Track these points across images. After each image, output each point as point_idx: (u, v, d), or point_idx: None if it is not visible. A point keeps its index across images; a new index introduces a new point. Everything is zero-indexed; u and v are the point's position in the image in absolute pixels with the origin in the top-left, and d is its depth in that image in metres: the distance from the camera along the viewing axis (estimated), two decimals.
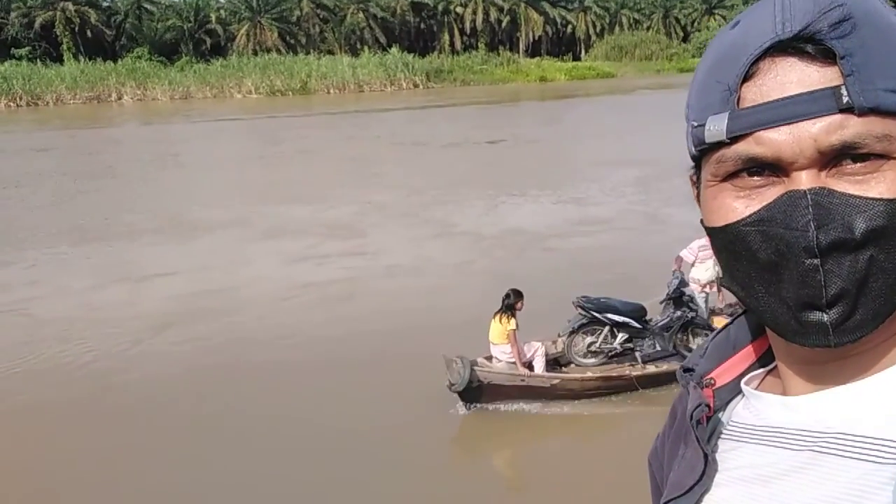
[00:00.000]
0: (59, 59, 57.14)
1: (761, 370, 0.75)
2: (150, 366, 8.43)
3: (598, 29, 76.29)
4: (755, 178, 0.61)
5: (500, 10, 71.96)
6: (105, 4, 63.31)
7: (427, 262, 12.07)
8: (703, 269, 8.20)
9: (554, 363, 7.74)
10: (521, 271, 10.60)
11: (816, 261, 0.57)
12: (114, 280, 11.87)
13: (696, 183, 0.69)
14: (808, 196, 0.57)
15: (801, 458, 0.64)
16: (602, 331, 7.70)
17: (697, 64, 0.68)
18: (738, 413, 0.74)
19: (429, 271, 11.60)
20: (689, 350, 7.55)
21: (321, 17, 67.86)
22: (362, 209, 16.14)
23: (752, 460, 0.68)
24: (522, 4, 72.43)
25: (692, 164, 0.69)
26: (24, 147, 28.48)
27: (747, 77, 0.60)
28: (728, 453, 0.71)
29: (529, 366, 7.29)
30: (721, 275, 1.10)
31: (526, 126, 31.44)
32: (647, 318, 7.78)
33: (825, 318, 0.59)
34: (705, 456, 0.71)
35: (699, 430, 0.72)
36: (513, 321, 7.11)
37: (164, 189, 19.59)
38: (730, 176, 0.62)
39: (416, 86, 57.32)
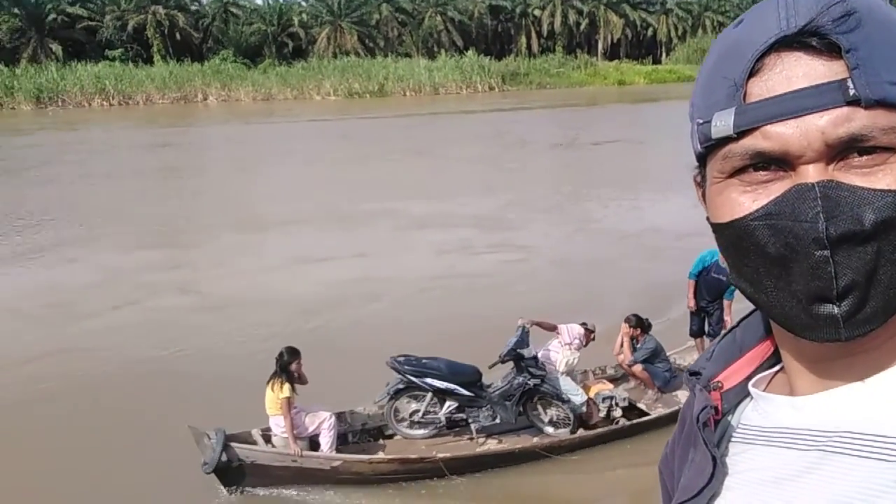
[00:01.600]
0: (149, 61, 58.98)
1: (768, 371, 0.75)
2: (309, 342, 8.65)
3: (679, 32, 75.20)
4: (762, 172, 0.61)
5: (579, 12, 71.58)
6: (193, 8, 65.22)
7: (574, 256, 12.06)
8: (567, 353, 7.00)
9: (378, 433, 6.70)
10: (666, 269, 10.28)
11: (826, 252, 0.57)
12: (277, 265, 12.14)
13: (701, 182, 0.68)
14: (817, 188, 0.57)
15: (811, 458, 0.63)
16: (425, 397, 6.57)
17: (701, 64, 0.67)
18: (747, 415, 0.73)
19: (575, 264, 11.57)
20: (542, 422, 6.66)
21: (399, 20, 68.57)
22: (502, 203, 16.16)
23: (762, 462, 0.68)
24: (602, 7, 71.91)
25: (696, 163, 0.68)
26: (138, 143, 29.46)
27: (753, 73, 0.60)
28: (738, 456, 0.71)
29: (313, 442, 6.15)
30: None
31: (621, 128, 31.04)
32: (488, 383, 6.65)
33: (836, 311, 0.58)
34: (714, 459, 0.71)
35: (706, 433, 0.73)
36: (286, 387, 5.93)
37: (303, 182, 19.99)
38: (736, 172, 0.62)
39: (491, 88, 57.36)
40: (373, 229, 14.34)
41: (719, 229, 0.64)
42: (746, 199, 0.61)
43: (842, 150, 0.58)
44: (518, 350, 6.44)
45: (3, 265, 12.62)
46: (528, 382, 6.46)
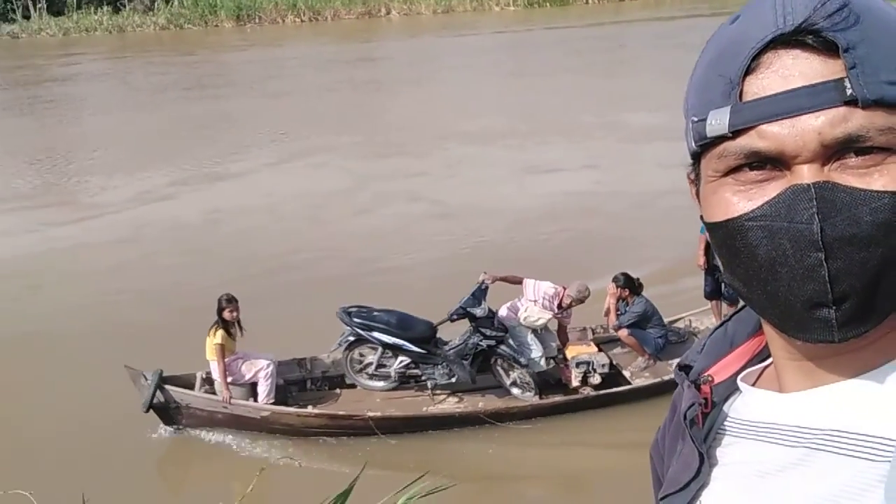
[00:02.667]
0: None
1: (758, 366, 0.75)
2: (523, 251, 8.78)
3: None
4: (757, 172, 0.60)
5: None
6: None
7: None
8: (536, 311, 6.43)
9: (340, 381, 6.60)
10: None
11: (821, 255, 0.56)
12: (512, 175, 12.45)
13: (695, 180, 0.67)
14: (813, 189, 0.56)
15: (796, 454, 0.63)
16: (377, 350, 6.35)
17: (696, 60, 0.66)
18: (736, 409, 0.73)
19: None
20: (506, 384, 6.34)
21: None
22: None
23: (749, 456, 0.68)
24: None
25: (690, 161, 0.67)
26: (341, 58, 30.71)
27: (749, 71, 0.58)
28: (725, 448, 0.72)
29: (254, 388, 6.19)
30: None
31: None
32: (447, 340, 6.37)
33: (830, 314, 0.57)
34: (700, 454, 0.71)
35: (693, 430, 0.73)
36: (219, 334, 6.00)
37: (509, 95, 20.13)
38: (731, 171, 0.61)
39: None
40: (599, 142, 14.26)
41: (713, 228, 0.64)
42: (741, 199, 0.61)
43: (838, 150, 0.57)
44: (468, 309, 6.19)
45: (268, 171, 13.93)
46: (481, 343, 6.19)
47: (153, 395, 5.95)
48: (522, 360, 6.26)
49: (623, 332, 6.57)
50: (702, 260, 6.81)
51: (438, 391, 6.44)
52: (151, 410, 6.05)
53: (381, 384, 6.47)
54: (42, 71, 30.68)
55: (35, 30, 50.08)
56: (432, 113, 18.15)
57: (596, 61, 25.05)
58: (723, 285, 6.83)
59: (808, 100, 0.57)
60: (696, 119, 0.64)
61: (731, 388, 0.76)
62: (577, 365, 6.41)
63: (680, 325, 7.21)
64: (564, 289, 6.43)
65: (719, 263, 0.67)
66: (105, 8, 52.12)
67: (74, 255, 10.16)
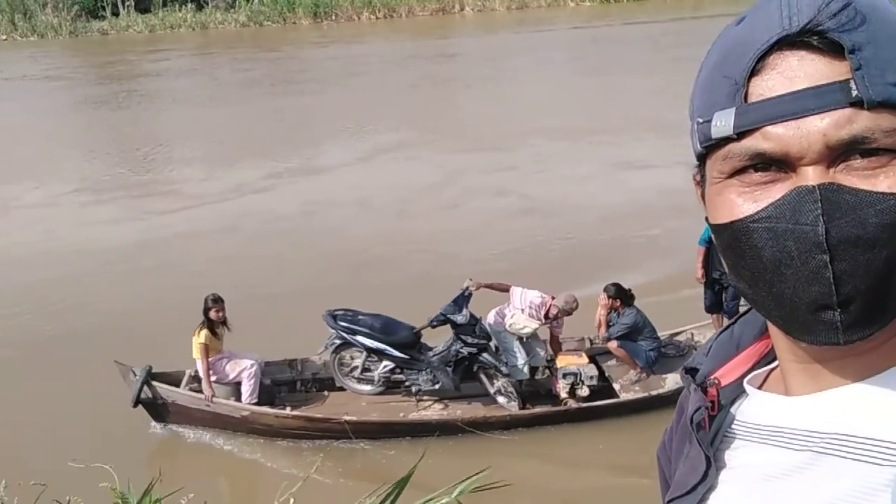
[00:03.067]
0: None
1: (765, 369, 0.75)
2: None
3: None
4: (762, 173, 0.59)
5: None
6: None
7: None
8: (522, 320, 6.31)
9: (331, 384, 6.59)
10: None
11: (826, 256, 0.55)
12: (602, 171, 12.34)
13: (701, 181, 0.67)
14: (818, 191, 0.56)
15: (802, 458, 0.62)
16: (363, 354, 6.35)
17: (702, 62, 0.65)
18: (743, 412, 0.73)
19: None
20: (491, 392, 6.25)
21: None
22: None
23: (755, 459, 0.68)
24: None
25: (696, 162, 0.67)
26: (419, 54, 31.00)
27: (754, 72, 0.58)
28: (732, 452, 0.72)
29: (239, 388, 6.20)
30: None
31: None
32: (432, 346, 6.31)
33: (835, 316, 0.57)
34: (707, 457, 0.71)
35: (700, 433, 0.73)
36: (203, 333, 6.06)
37: (592, 92, 20.00)
38: (736, 172, 0.61)
39: None
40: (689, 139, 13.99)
41: (718, 230, 0.63)
42: (746, 201, 0.60)
43: (843, 152, 0.57)
44: (448, 315, 6.15)
45: (358, 164, 14.22)
46: (462, 350, 6.14)
47: (140, 391, 6.06)
48: (503, 368, 6.21)
49: (613, 344, 6.46)
50: (700, 273, 6.72)
51: (424, 397, 6.42)
52: (141, 406, 6.20)
53: (368, 388, 6.50)
54: (134, 66, 32.01)
55: (123, 27, 52.21)
56: (514, 109, 18.15)
57: (678, 56, 24.51)
58: (723, 299, 6.71)
59: (813, 101, 0.57)
60: (701, 120, 0.64)
61: (737, 390, 0.76)
62: (564, 376, 6.32)
63: (682, 337, 7.02)
64: (553, 298, 6.32)
65: (725, 266, 0.66)
66: (189, 5, 53.92)
67: (177, 243, 10.59)
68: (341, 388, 6.61)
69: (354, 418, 6.02)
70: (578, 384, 6.28)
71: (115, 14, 53.90)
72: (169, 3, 54.48)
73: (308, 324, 6.65)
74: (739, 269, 0.63)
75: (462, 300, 6.25)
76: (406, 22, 51.88)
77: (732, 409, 0.75)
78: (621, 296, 6.45)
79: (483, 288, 6.38)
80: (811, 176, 0.58)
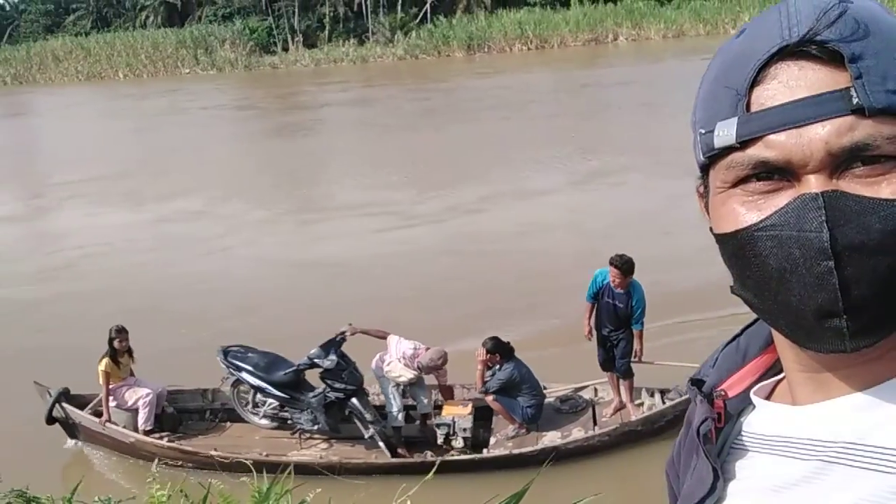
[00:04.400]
0: (566, 4, 61.42)
1: (772, 380, 0.74)
2: None
3: None
4: (764, 182, 0.59)
5: None
6: None
7: None
8: (398, 368, 6.28)
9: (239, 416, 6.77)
10: None
11: (831, 263, 0.55)
12: None
13: (704, 193, 0.67)
14: (821, 198, 0.56)
15: (811, 467, 0.62)
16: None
17: (703, 74, 0.66)
18: (750, 423, 0.72)
19: None
20: (378, 437, 6.23)
21: None
22: None
23: (763, 470, 0.68)
24: None
25: (699, 174, 0.67)
26: (570, 85, 31.11)
27: (756, 82, 0.59)
28: (740, 463, 0.71)
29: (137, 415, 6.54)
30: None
31: None
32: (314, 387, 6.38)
33: (841, 323, 0.56)
34: (714, 469, 0.71)
35: (707, 445, 0.72)
36: (104, 361, 6.38)
37: None
38: (739, 182, 0.61)
39: None
40: None
41: (722, 240, 0.63)
42: (750, 210, 0.60)
43: (845, 159, 0.56)
44: (314, 360, 6.23)
45: (569, 189, 14.39)
46: (329, 395, 6.21)
47: (51, 410, 6.54)
48: (367, 415, 6.26)
49: (490, 398, 6.32)
50: (587, 330, 6.45)
51: (308, 436, 6.52)
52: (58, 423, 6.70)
53: (265, 422, 6.66)
54: (314, 96, 34.19)
55: (291, 61, 55.94)
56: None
57: None
58: (615, 357, 6.33)
59: (815, 109, 0.57)
60: (703, 131, 0.64)
61: (744, 402, 0.75)
62: (438, 426, 6.28)
63: (586, 393, 6.82)
64: (427, 349, 6.24)
65: (731, 276, 0.65)
66: (352, 41, 57.12)
67: (402, 257, 11.10)
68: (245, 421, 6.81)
69: (218, 453, 6.13)
70: (453, 435, 6.24)
71: (285, 49, 57.94)
72: (333, 38, 57.93)
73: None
74: (745, 278, 0.63)
75: (331, 345, 6.32)
76: (558, 52, 52.14)
77: (739, 421, 0.75)
78: (499, 350, 6.30)
79: (359, 334, 6.46)
80: (814, 184, 0.58)
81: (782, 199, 0.59)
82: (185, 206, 15.27)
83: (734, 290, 0.66)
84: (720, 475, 0.72)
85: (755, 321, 0.77)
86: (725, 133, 0.61)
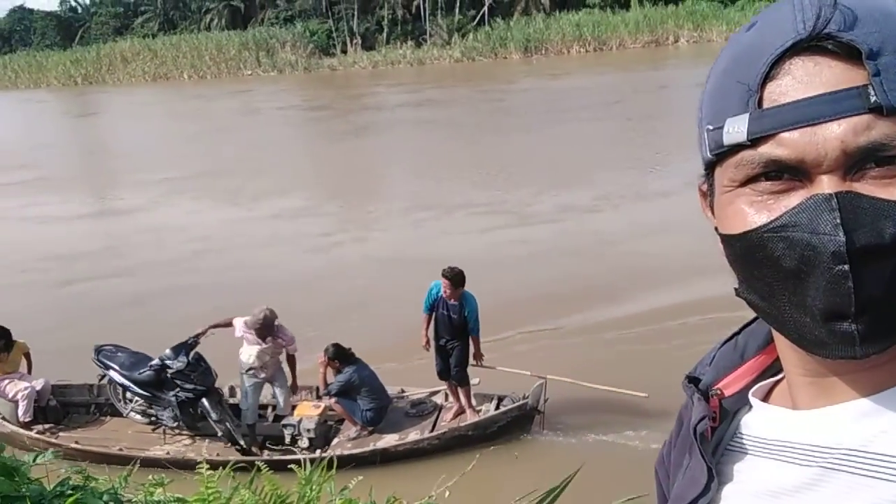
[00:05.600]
0: (626, 6, 60.92)
1: (770, 380, 0.73)
2: None
3: None
4: (774, 182, 0.57)
5: None
6: None
7: None
8: (245, 350, 6.58)
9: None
10: None
11: (846, 266, 0.53)
12: None
13: (708, 191, 0.65)
14: (835, 199, 0.54)
15: (810, 474, 0.61)
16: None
17: (710, 68, 0.64)
18: (746, 424, 0.71)
19: None
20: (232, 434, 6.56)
21: None
22: None
23: (760, 475, 0.66)
24: None
25: (703, 171, 0.65)
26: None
27: (768, 77, 0.56)
28: (735, 465, 0.69)
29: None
30: None
31: None
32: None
33: (851, 328, 0.54)
34: (709, 469, 0.69)
35: (703, 444, 0.70)
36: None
37: None
38: (749, 181, 0.59)
39: None
40: None
41: (730, 240, 0.61)
42: (759, 210, 0.58)
43: (860, 159, 0.54)
44: (164, 361, 6.55)
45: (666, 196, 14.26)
46: (180, 395, 6.51)
47: None
48: (214, 415, 6.55)
49: (331, 401, 6.61)
50: (423, 340, 6.65)
51: (183, 432, 6.82)
52: None
53: (138, 417, 6.98)
54: (384, 97, 34.47)
55: (350, 63, 56.52)
56: None
57: None
58: (451, 365, 6.50)
59: (830, 107, 0.54)
60: (711, 127, 0.61)
61: (740, 402, 0.73)
62: (284, 426, 6.53)
63: (439, 398, 7.02)
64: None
65: (736, 279, 0.63)
66: (409, 43, 57.52)
67: (521, 256, 11.11)
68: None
69: (77, 445, 6.46)
70: (299, 435, 6.47)
71: (344, 51, 58.60)
72: (391, 40, 58.40)
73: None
74: (752, 280, 0.60)
75: (182, 347, 6.63)
76: (618, 54, 51.63)
77: (735, 422, 0.73)
78: (339, 356, 6.60)
79: (210, 329, 6.71)
80: (827, 184, 0.55)
81: (793, 199, 0.57)
82: (288, 204, 15.53)
83: (739, 293, 0.64)
84: (715, 475, 0.70)
85: (753, 320, 0.75)
86: (736, 130, 0.58)
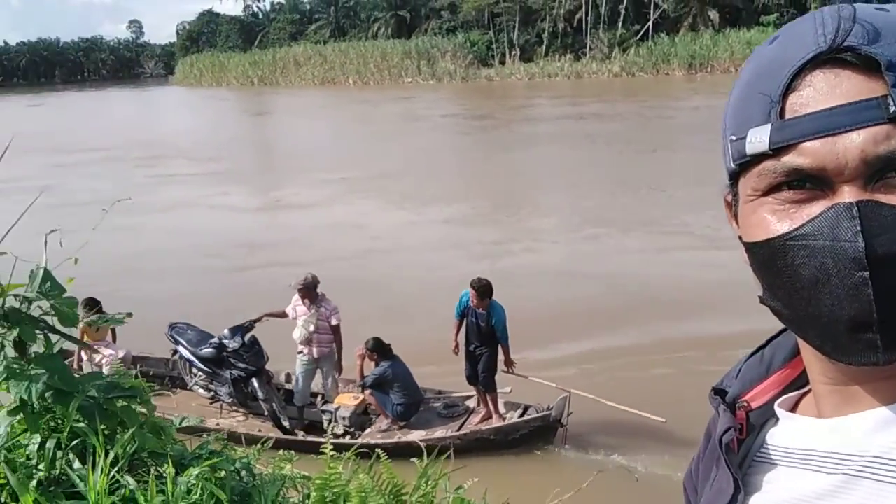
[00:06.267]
0: None
1: (796, 392, 0.73)
2: None
3: None
4: (796, 191, 0.58)
5: None
6: None
7: None
8: (298, 330, 6.97)
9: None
10: None
11: (866, 273, 0.54)
12: None
13: (733, 202, 0.66)
14: (856, 207, 0.55)
15: (836, 481, 0.61)
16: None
17: (734, 81, 0.65)
18: (773, 435, 0.71)
19: None
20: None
21: None
22: None
23: (786, 484, 0.66)
24: None
25: (727, 182, 0.66)
26: None
27: (790, 89, 0.58)
28: (761, 476, 0.70)
29: None
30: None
31: None
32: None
33: (874, 335, 0.55)
34: (735, 480, 0.69)
35: (729, 455, 0.71)
36: (81, 324, 6.58)
37: None
38: (771, 190, 0.60)
39: None
40: None
41: (753, 248, 0.62)
42: (781, 219, 0.59)
43: (881, 168, 0.55)
44: (222, 340, 6.99)
45: None
46: (233, 373, 6.89)
47: None
48: (261, 394, 6.94)
49: (367, 392, 6.92)
50: (453, 344, 6.90)
51: (239, 409, 7.20)
52: None
53: (202, 392, 7.30)
54: (546, 109, 34.50)
55: (506, 74, 57.11)
56: None
57: None
58: (479, 371, 6.71)
59: (851, 117, 0.55)
60: (734, 138, 0.61)
61: (766, 414, 0.73)
62: (323, 412, 6.93)
63: (472, 402, 7.17)
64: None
65: (759, 286, 0.64)
66: (568, 56, 57.27)
67: (715, 281, 10.64)
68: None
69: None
70: (335, 421, 6.80)
71: (502, 63, 59.28)
72: (550, 53, 58.39)
73: None
74: (775, 288, 0.60)
75: (238, 329, 7.06)
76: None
77: (762, 433, 0.73)
78: (377, 349, 6.85)
79: (265, 317, 7.22)
80: (848, 193, 0.55)
81: (815, 208, 0.57)
82: (456, 210, 15.83)
83: (763, 300, 0.64)
84: (741, 486, 0.69)
85: (780, 332, 0.75)
86: (758, 139, 0.59)
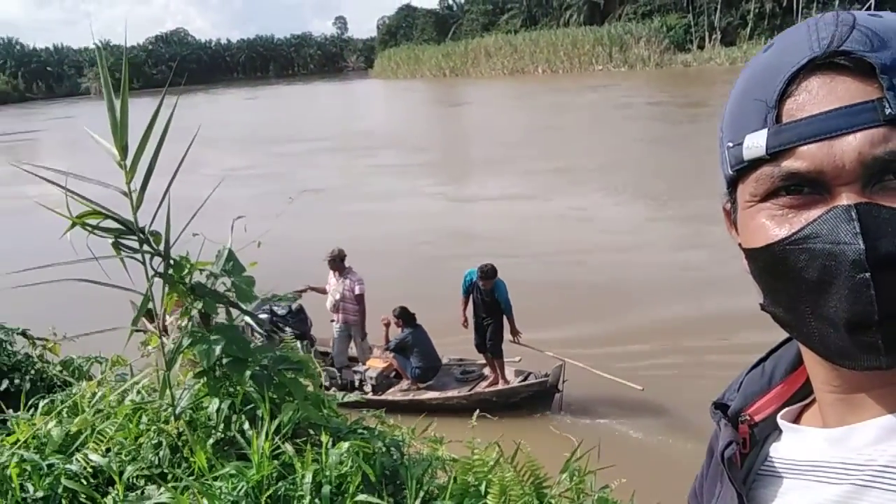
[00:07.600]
0: None
1: (799, 405, 0.73)
2: None
3: None
4: (794, 196, 0.58)
5: None
6: None
7: None
8: (329, 299, 7.95)
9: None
10: None
11: (867, 275, 0.53)
12: None
13: (731, 210, 0.66)
14: (854, 210, 0.54)
15: (843, 491, 0.60)
16: None
17: (731, 89, 0.66)
18: (777, 448, 0.71)
19: None
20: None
21: None
22: None
23: (793, 496, 0.66)
24: None
25: (725, 190, 0.66)
26: None
27: (785, 94, 0.58)
28: (766, 490, 0.69)
29: None
30: None
31: None
32: None
33: (876, 338, 0.55)
34: (739, 495, 0.69)
35: (731, 469, 0.70)
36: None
37: None
38: (769, 195, 0.59)
39: None
40: None
41: (753, 254, 0.61)
42: (780, 224, 0.58)
43: (878, 171, 0.55)
44: (272, 307, 7.63)
45: None
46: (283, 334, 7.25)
47: None
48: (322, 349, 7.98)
49: (390, 355, 7.81)
50: (462, 319, 7.74)
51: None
52: None
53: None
54: None
55: (705, 59, 54.04)
56: None
57: None
58: (486, 339, 7.54)
59: (847, 120, 0.55)
60: (731, 144, 0.61)
61: (769, 427, 0.72)
62: (355, 372, 7.83)
63: (487, 370, 7.82)
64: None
65: (760, 292, 0.63)
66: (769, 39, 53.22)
67: None
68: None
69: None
70: (365, 381, 7.69)
71: (700, 47, 56.30)
72: (755, 36, 54.59)
73: None
74: (776, 293, 0.60)
75: (291, 297, 7.69)
76: None
77: (766, 447, 0.72)
78: (403, 316, 7.60)
79: (309, 289, 7.93)
80: (846, 196, 0.55)
81: (814, 212, 0.56)
82: (697, 206, 14.94)
83: (764, 307, 0.63)
84: (745, 501, 0.68)
85: (780, 345, 0.74)
86: (755, 145, 0.58)
